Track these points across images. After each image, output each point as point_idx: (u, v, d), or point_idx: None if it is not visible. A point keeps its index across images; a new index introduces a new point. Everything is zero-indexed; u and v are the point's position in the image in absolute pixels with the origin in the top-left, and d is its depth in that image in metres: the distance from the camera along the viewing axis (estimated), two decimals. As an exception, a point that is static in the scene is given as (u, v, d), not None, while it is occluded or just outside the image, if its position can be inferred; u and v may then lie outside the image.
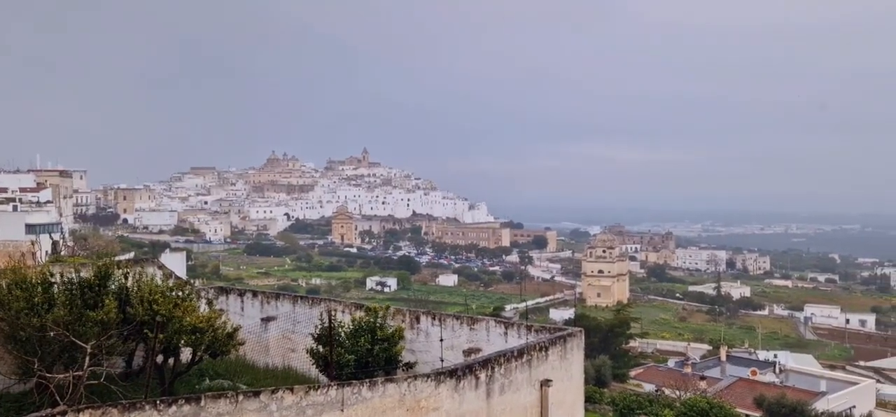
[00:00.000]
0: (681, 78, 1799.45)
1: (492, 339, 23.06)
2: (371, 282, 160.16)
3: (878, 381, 72.48)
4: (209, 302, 22.35)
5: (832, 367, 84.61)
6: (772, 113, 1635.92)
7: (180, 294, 18.95)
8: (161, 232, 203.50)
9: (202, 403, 13.63)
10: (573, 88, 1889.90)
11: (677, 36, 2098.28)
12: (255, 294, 29.22)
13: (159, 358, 18.65)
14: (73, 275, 18.31)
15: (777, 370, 67.81)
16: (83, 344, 15.82)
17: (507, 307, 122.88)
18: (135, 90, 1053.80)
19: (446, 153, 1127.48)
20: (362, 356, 20.48)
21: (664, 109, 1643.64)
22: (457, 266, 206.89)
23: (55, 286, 17.95)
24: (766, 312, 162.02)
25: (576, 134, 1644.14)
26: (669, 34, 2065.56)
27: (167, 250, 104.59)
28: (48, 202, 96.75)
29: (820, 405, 51.52)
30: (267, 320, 27.16)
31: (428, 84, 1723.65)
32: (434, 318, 24.43)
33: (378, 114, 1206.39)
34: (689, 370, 66.08)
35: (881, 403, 62.20)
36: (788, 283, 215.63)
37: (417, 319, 24.60)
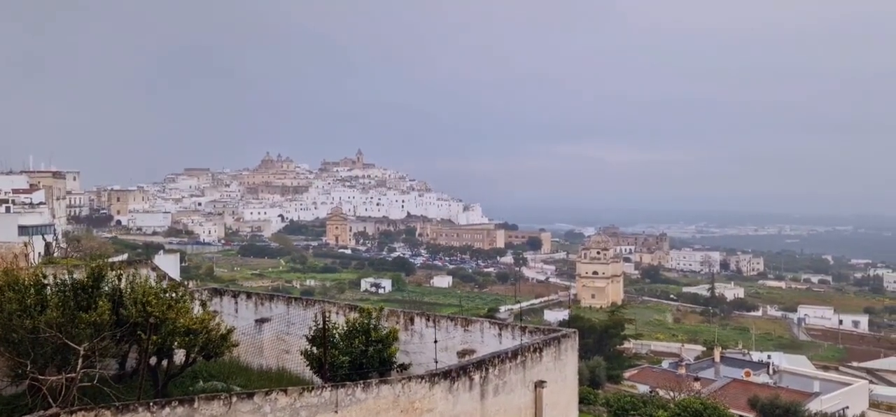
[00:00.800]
0: (680, 78, 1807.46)
1: (486, 340, 23.04)
2: (365, 284, 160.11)
3: (871, 382, 72.74)
4: (203, 304, 22.32)
5: (825, 368, 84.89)
6: (770, 113, 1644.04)
7: (174, 295, 18.89)
8: (155, 233, 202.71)
9: (196, 405, 13.59)
10: (571, 89, 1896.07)
11: (677, 38, 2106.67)
12: (249, 295, 29.16)
13: (153, 360, 18.59)
14: (66, 277, 18.25)
15: (771, 371, 68.09)
16: (76, 346, 15.76)
17: (502, 308, 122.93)
18: (129, 91, 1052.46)
19: (441, 154, 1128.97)
20: (356, 357, 20.46)
21: (663, 110, 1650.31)
22: (451, 267, 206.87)
23: (48, 287, 17.89)
24: (759, 313, 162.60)
25: (573, 134, 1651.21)
26: (669, 36, 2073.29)
27: (161, 251, 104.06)
28: (41, 203, 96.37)
29: (813, 405, 51.76)
30: (261, 321, 27.11)
31: (424, 85, 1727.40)
32: (428, 320, 24.41)
33: (373, 115, 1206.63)
34: (683, 371, 66.26)
35: (874, 404, 62.46)
36: (782, 284, 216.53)
37: (412, 320, 24.58)
